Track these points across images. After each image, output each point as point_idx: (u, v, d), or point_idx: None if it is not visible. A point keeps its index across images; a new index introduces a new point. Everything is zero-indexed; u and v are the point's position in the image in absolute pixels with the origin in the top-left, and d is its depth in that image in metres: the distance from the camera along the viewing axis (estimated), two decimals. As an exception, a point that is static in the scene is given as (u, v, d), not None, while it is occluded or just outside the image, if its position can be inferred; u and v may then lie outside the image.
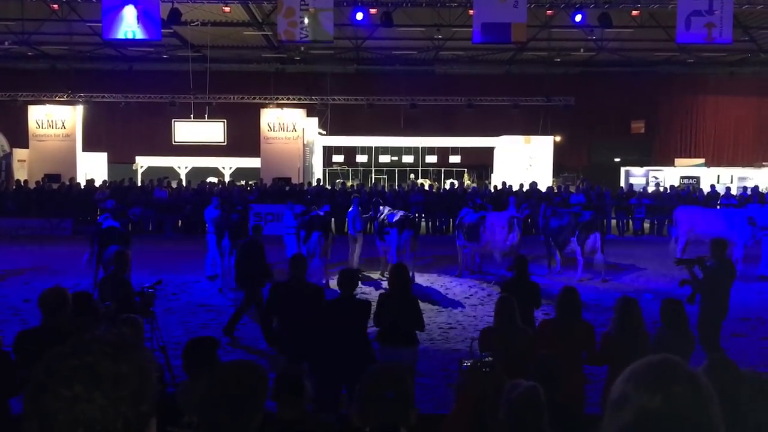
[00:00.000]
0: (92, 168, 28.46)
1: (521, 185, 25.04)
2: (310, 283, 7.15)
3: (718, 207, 22.27)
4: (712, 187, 25.41)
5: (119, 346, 1.40)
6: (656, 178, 28.85)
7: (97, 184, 25.34)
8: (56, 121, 27.78)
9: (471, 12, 20.25)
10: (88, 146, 28.72)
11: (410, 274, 14.22)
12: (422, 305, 11.94)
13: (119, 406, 1.33)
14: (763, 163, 30.54)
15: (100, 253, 11.43)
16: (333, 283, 10.40)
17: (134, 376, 1.37)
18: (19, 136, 28.04)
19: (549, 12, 23.29)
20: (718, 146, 33.09)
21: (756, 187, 25.60)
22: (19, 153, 28.25)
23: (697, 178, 28.72)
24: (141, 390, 1.37)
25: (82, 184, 25.52)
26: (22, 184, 25.21)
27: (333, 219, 17.09)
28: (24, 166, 27.79)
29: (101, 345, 1.39)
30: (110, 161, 29.80)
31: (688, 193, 25.20)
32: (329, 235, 14.02)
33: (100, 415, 1.31)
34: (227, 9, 22.35)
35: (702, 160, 31.47)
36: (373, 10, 21.32)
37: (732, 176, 28.94)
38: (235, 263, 11.26)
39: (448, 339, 10.07)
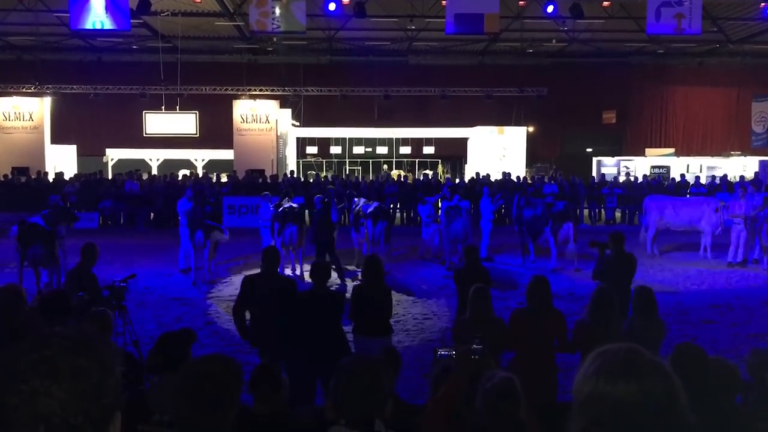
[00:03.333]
0: (61, 161, 28.00)
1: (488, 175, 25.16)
2: (282, 276, 7.12)
3: (688, 196, 22.61)
4: (682, 176, 25.78)
5: (78, 340, 1.38)
6: (627, 167, 29.18)
7: (67, 177, 24.94)
8: (24, 113, 27.28)
9: (444, 2, 20.25)
10: (57, 139, 28.26)
11: (384, 265, 14.31)
12: (397, 296, 12.01)
13: (79, 399, 1.32)
14: (732, 152, 31.05)
15: (23, 251, 11.35)
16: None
17: (94, 369, 1.35)
18: (-14, 129, 27.50)
19: (521, 3, 23.37)
20: (688, 136, 33.57)
21: (725, 176, 26.02)
22: (-14, 146, 27.72)
23: (667, 168, 29.11)
24: (102, 384, 1.36)
25: (51, 177, 25.10)
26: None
27: (306, 211, 17.01)
28: (-9, 159, 27.26)
29: (59, 339, 1.37)
30: (80, 154, 29.37)
31: (658, 182, 25.54)
32: (303, 227, 13.98)
33: (59, 409, 1.30)
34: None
35: (672, 150, 31.91)
36: (345, 0, 21.21)
37: (701, 165, 29.39)
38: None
39: (423, 329, 10.10)
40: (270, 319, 6.50)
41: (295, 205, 14.11)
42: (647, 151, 31.92)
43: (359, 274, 7.14)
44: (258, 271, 7.19)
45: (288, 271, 13.77)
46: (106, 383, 1.37)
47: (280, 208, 14.01)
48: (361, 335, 6.70)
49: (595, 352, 1.60)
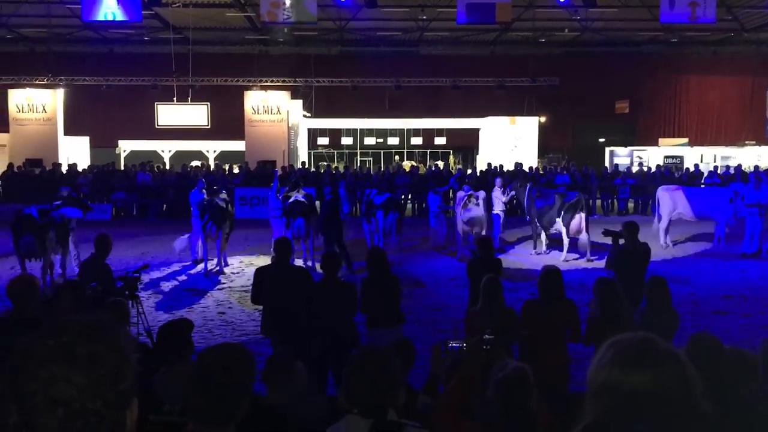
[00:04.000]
0: (74, 152, 28.16)
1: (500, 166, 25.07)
2: (294, 265, 7.13)
3: (702, 186, 22.44)
4: (696, 166, 25.58)
5: (95, 327, 1.41)
6: (640, 158, 29.00)
7: (80, 168, 25.08)
8: (37, 105, 27.43)
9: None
10: (69, 130, 28.41)
11: (396, 255, 14.33)
12: (408, 287, 12.01)
13: (97, 385, 1.34)
14: (746, 142, 30.78)
15: (16, 241, 11.42)
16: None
17: (111, 355, 1.38)
18: (0, 121, 27.67)
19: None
20: (702, 126, 33.28)
21: (739, 166, 25.80)
22: (0, 137, 27.89)
23: (681, 158, 28.90)
24: (119, 369, 1.38)
25: (64, 168, 25.26)
26: (6, 168, 24.89)
27: (318, 202, 17.02)
28: (5, 151, 27.44)
29: (77, 326, 1.40)
30: (92, 145, 29.52)
31: (671, 172, 25.37)
32: (311, 219, 13.95)
33: (77, 394, 1.32)
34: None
35: (686, 140, 31.67)
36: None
37: (715, 155, 29.16)
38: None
39: (435, 320, 10.10)
40: (282, 308, 6.53)
41: (302, 199, 14.05)
42: (660, 141, 31.70)
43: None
44: (269, 262, 7.22)
45: (299, 263, 13.79)
46: (122, 369, 1.39)
47: (288, 201, 14.00)
48: (374, 327, 6.72)
49: (609, 342, 1.59)
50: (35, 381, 1.32)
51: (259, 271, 7.03)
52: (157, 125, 27.82)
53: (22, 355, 1.35)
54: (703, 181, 23.74)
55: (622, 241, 8.20)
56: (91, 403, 1.33)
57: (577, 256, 14.68)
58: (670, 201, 16.52)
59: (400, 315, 6.91)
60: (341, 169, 26.60)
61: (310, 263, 13.86)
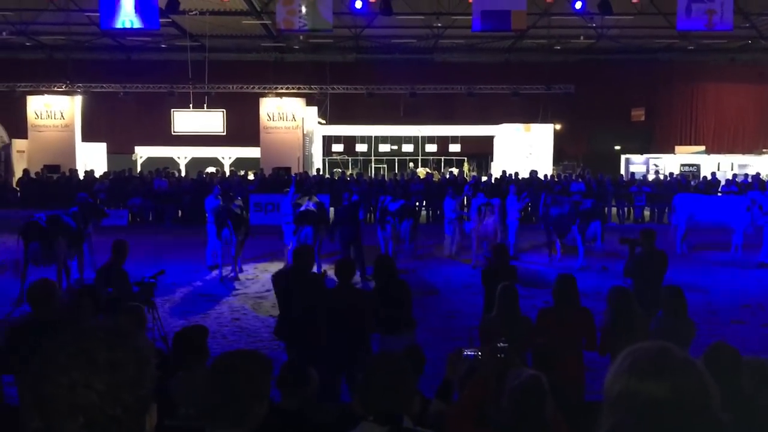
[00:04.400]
0: (91, 158, 28.42)
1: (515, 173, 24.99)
2: (311, 273, 7.14)
3: (719, 194, 22.26)
4: (713, 174, 25.39)
5: (115, 333, 1.43)
6: (656, 165, 28.81)
7: (97, 174, 25.30)
8: (55, 111, 27.71)
9: (470, 2, 20.10)
10: (87, 137, 28.68)
11: (411, 263, 14.32)
12: (422, 294, 11.99)
13: (117, 391, 1.36)
14: (764, 150, 30.50)
15: (25, 247, 11.49)
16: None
17: (131, 362, 1.39)
18: (18, 127, 27.99)
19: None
20: (719, 133, 33.00)
21: (757, 174, 25.57)
22: (19, 143, 28.20)
23: (698, 166, 28.68)
24: (139, 376, 1.40)
25: (81, 174, 25.48)
26: (22, 174, 25.15)
27: (332, 209, 17.05)
28: (23, 157, 27.75)
29: (97, 332, 1.41)
30: (109, 152, 29.76)
31: (688, 180, 25.18)
32: (321, 227, 13.96)
33: (98, 400, 1.34)
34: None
35: (702, 148, 31.41)
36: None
37: (732, 163, 28.91)
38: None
39: (449, 328, 10.08)
40: (297, 314, 6.56)
41: (312, 207, 14.05)
42: (677, 148, 31.46)
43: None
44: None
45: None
46: (142, 375, 1.40)
47: (298, 209, 14.07)
48: (386, 334, 6.73)
49: (627, 350, 1.59)
50: (56, 387, 1.33)
51: (276, 277, 7.08)
52: (174, 132, 28.01)
53: (43, 361, 1.37)
54: (720, 189, 23.54)
55: (638, 249, 8.15)
56: (111, 409, 1.35)
57: (591, 264, 14.59)
58: (686, 209, 16.40)
59: (410, 321, 6.91)
60: (355, 175, 26.64)
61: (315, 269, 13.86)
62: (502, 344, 3.68)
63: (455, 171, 29.95)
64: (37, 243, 11.46)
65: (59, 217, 12.06)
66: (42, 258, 11.59)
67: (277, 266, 14.29)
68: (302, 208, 13.97)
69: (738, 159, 29.36)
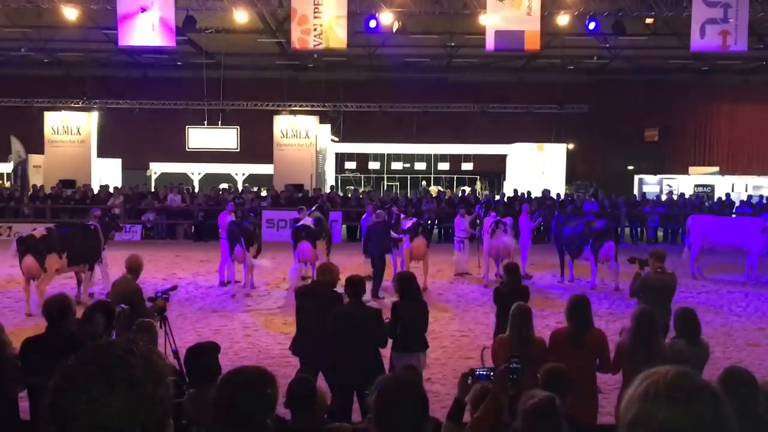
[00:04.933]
0: (107, 174, 28.66)
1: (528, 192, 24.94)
2: (335, 291, 7.11)
3: (733, 215, 22.11)
4: (727, 195, 25.23)
5: (133, 352, 1.43)
6: (670, 186, 28.69)
7: (111, 190, 25.50)
8: (71, 127, 28.00)
9: (483, 22, 20.11)
10: (102, 152, 28.95)
11: (422, 281, 14.30)
12: (434, 312, 11.95)
13: (135, 409, 1.37)
14: (779, 171, 30.32)
15: (20, 259, 11.71)
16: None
17: (149, 380, 1.40)
18: (35, 142, 28.29)
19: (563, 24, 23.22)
20: (733, 154, 32.85)
21: (771, 196, 25.39)
22: (35, 159, 28.50)
23: (712, 187, 28.53)
24: (156, 393, 1.41)
25: (96, 189, 25.69)
26: (38, 189, 25.37)
27: (341, 225, 17.09)
28: (39, 172, 28.03)
29: (116, 350, 1.42)
30: (124, 167, 30.01)
31: (702, 201, 25.04)
32: (317, 243, 13.94)
33: (117, 418, 1.35)
34: (242, 18, 22.37)
35: (716, 168, 31.26)
36: (386, 23, 21.11)
37: (747, 185, 28.75)
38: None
39: (461, 347, 10.04)
40: (311, 330, 6.59)
41: (310, 223, 14.14)
42: (691, 169, 31.33)
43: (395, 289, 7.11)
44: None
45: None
46: (159, 393, 1.42)
47: (294, 225, 14.23)
48: (399, 352, 6.71)
49: (643, 374, 1.58)
50: (76, 405, 1.34)
51: (297, 291, 7.16)
52: (188, 148, 28.22)
53: (62, 380, 1.38)
54: (734, 211, 23.39)
55: (647, 269, 8.12)
56: (129, 427, 1.36)
57: (604, 284, 14.50)
58: (700, 230, 16.30)
59: (425, 341, 6.90)
60: (368, 192, 26.69)
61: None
62: (514, 364, 3.66)
63: (467, 189, 29.95)
64: (31, 257, 11.61)
65: (52, 231, 12.32)
66: (33, 272, 11.71)
67: (288, 283, 14.37)
68: (299, 224, 14.13)
69: (752, 180, 29.20)
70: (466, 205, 21.07)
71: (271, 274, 15.69)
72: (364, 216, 16.76)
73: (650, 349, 5.39)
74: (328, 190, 26.19)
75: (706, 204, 24.54)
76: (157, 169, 30.73)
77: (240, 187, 28.80)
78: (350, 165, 31.14)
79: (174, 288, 8.17)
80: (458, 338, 10.55)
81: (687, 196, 25.74)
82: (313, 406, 4.06)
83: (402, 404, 2.51)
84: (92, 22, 24.07)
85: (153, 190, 26.65)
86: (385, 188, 31.66)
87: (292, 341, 7.30)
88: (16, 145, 28.83)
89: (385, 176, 32.64)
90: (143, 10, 19.31)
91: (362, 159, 31.28)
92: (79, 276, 12.68)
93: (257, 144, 28.47)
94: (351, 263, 14.52)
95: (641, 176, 29.92)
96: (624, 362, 5.55)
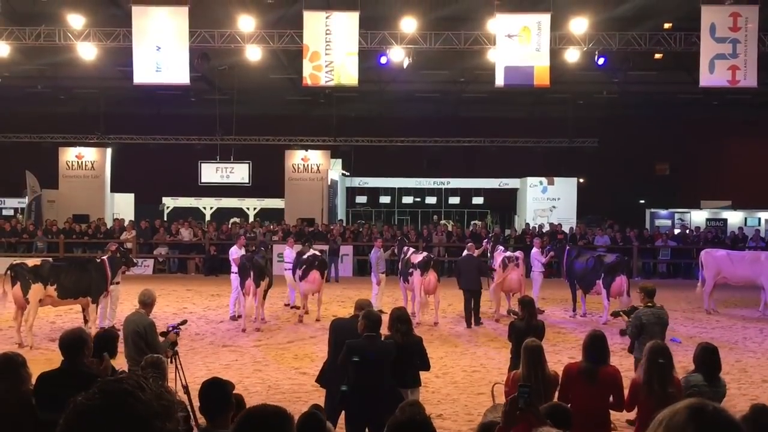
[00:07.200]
0: (120, 208, 28.87)
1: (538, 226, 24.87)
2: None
3: (747, 250, 21.95)
4: (740, 229, 25.07)
5: (143, 387, 1.44)
6: (682, 219, 28.55)
7: (125, 224, 25.64)
8: (86, 162, 28.32)
9: (493, 58, 20.23)
10: (116, 187, 29.20)
11: (434, 315, 14.24)
12: (445, 347, 11.88)
13: None
14: (791, 205, 30.10)
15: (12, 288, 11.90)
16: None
17: (159, 416, 1.41)
18: (50, 177, 28.59)
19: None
20: (745, 188, 32.66)
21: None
22: (50, 193, 28.74)
23: (724, 221, 28.36)
24: (165, 429, 1.41)
25: (109, 224, 25.86)
26: (45, 225, 25.50)
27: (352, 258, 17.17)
28: (54, 207, 28.25)
29: (125, 386, 1.43)
30: (137, 202, 30.23)
31: (714, 235, 24.88)
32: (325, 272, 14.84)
33: None
34: (255, 55, 22.62)
35: (728, 202, 31.10)
36: (395, 60, 21.18)
37: (760, 218, 28.56)
38: None
39: (472, 382, 9.94)
40: (334, 363, 6.64)
41: (318, 253, 14.69)
42: (702, 203, 31.18)
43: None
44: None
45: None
46: (168, 429, 1.41)
47: (302, 256, 14.65)
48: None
49: (662, 414, 1.57)
50: None
51: (332, 324, 7.26)
52: (200, 183, 28.43)
53: (73, 415, 1.39)
54: (747, 245, 23.22)
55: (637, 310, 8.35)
56: None
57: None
58: (714, 264, 16.16)
59: (417, 378, 6.84)
60: (378, 227, 26.70)
61: (316, 316, 14.44)
62: (524, 389, 3.58)
63: (479, 224, 29.90)
64: (23, 287, 11.80)
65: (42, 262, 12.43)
66: (21, 301, 11.83)
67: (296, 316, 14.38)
68: (307, 255, 14.62)
69: (765, 214, 29.00)
70: (475, 239, 21.03)
71: (283, 308, 15.69)
72: (373, 251, 16.87)
73: (665, 384, 5.32)
74: (338, 224, 26.20)
75: (721, 237, 24.35)
76: (169, 203, 30.93)
77: (252, 221, 28.91)
78: (361, 199, 31.24)
79: (184, 322, 8.18)
80: (470, 373, 10.45)
81: (700, 230, 25.60)
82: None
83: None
84: (108, 59, 24.50)
85: (165, 224, 26.77)
86: (396, 222, 31.68)
87: (320, 372, 7.34)
88: (31, 180, 29.14)
89: (396, 210, 32.69)
90: (158, 48, 19.63)
91: (373, 193, 31.38)
92: (85, 314, 12.60)
93: (269, 178, 28.64)
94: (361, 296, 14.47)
95: (653, 210, 29.81)
96: (639, 398, 5.48)
